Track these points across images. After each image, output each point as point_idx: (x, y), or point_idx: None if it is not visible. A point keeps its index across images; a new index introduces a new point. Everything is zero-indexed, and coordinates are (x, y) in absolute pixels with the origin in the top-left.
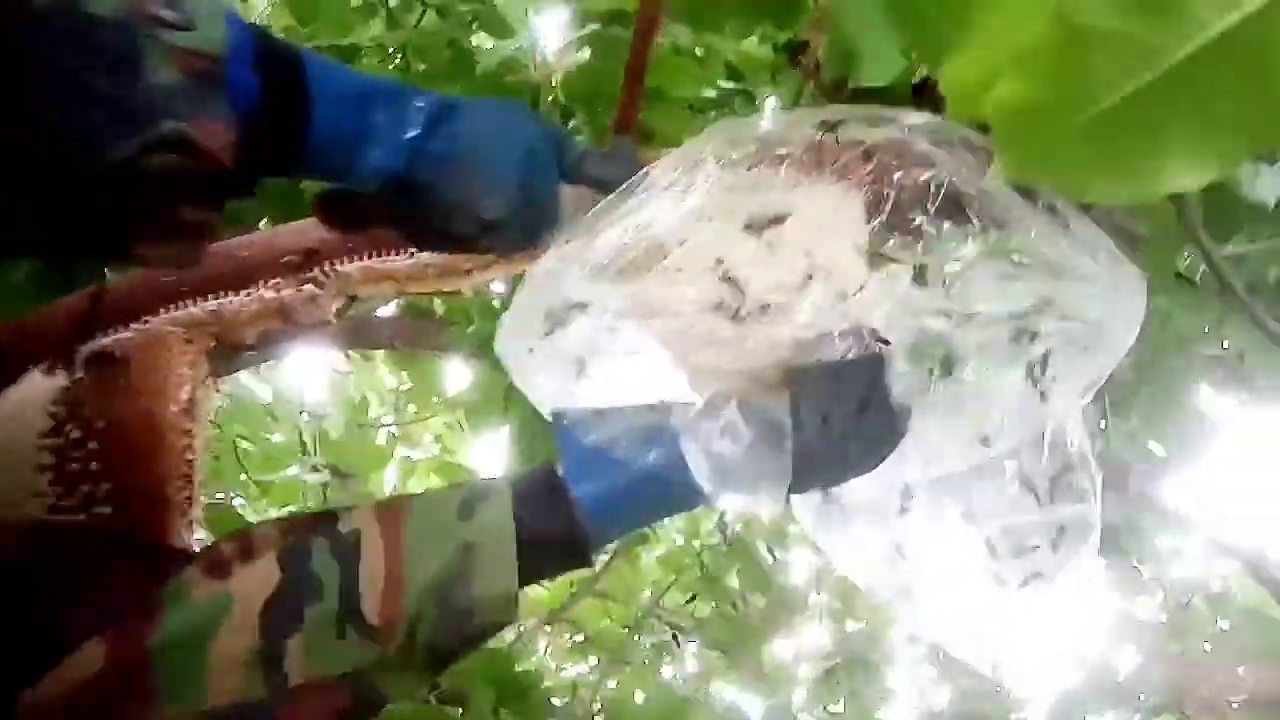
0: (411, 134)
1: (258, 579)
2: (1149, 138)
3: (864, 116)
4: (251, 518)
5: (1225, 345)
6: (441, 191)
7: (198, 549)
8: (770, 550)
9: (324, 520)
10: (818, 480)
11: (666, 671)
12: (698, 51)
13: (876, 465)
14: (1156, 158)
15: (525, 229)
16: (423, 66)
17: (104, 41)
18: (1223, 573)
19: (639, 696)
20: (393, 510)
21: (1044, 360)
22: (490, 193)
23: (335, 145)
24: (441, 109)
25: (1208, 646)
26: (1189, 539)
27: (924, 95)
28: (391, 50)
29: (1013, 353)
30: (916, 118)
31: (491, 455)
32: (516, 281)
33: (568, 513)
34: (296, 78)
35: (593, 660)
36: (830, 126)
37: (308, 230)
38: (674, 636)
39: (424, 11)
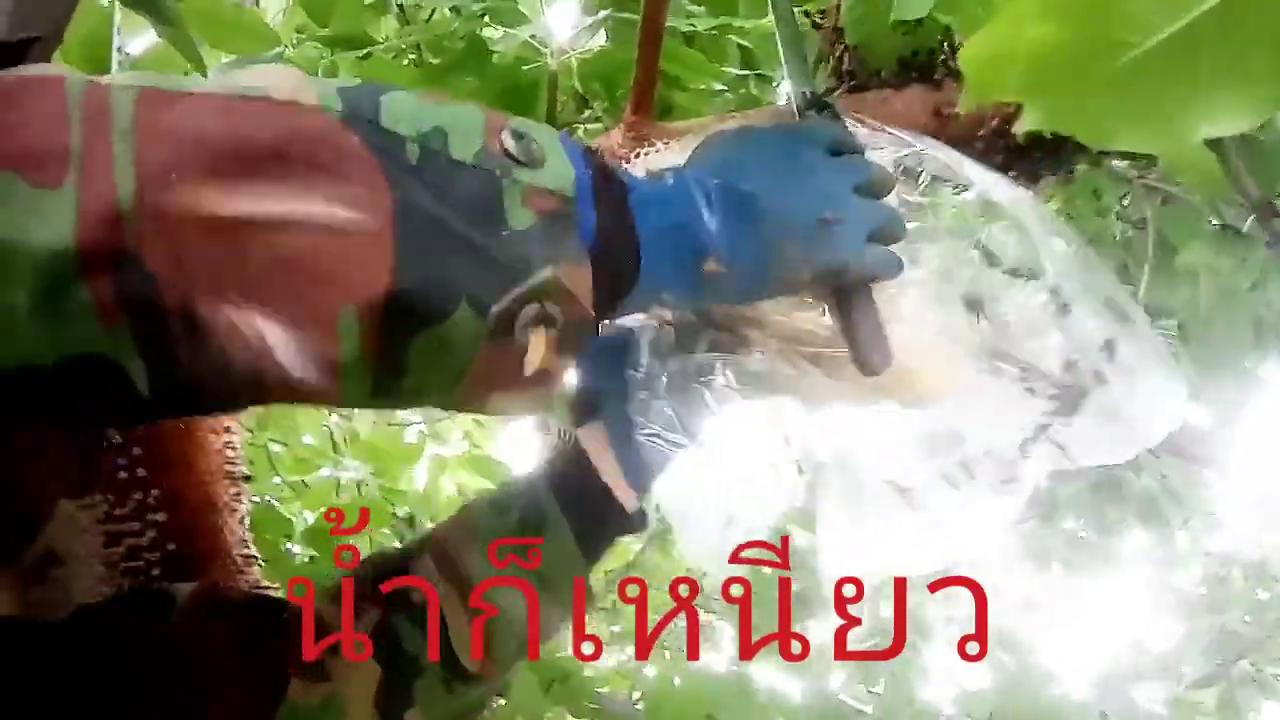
0: (726, 260)
1: (359, 676)
2: (1182, 84)
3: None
4: (290, 519)
5: (1264, 307)
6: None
7: (277, 606)
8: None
9: (394, 590)
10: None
11: (705, 656)
12: (704, 30)
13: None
14: (1190, 104)
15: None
16: (437, 61)
17: (469, 189)
18: (1262, 541)
19: (678, 681)
20: (457, 562)
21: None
22: (810, 259)
23: (660, 284)
24: (737, 206)
25: (1248, 618)
26: (1228, 506)
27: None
28: (405, 47)
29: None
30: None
31: (521, 448)
32: None
33: (613, 505)
34: (625, 210)
35: (630, 648)
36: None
37: None
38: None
39: (434, 10)
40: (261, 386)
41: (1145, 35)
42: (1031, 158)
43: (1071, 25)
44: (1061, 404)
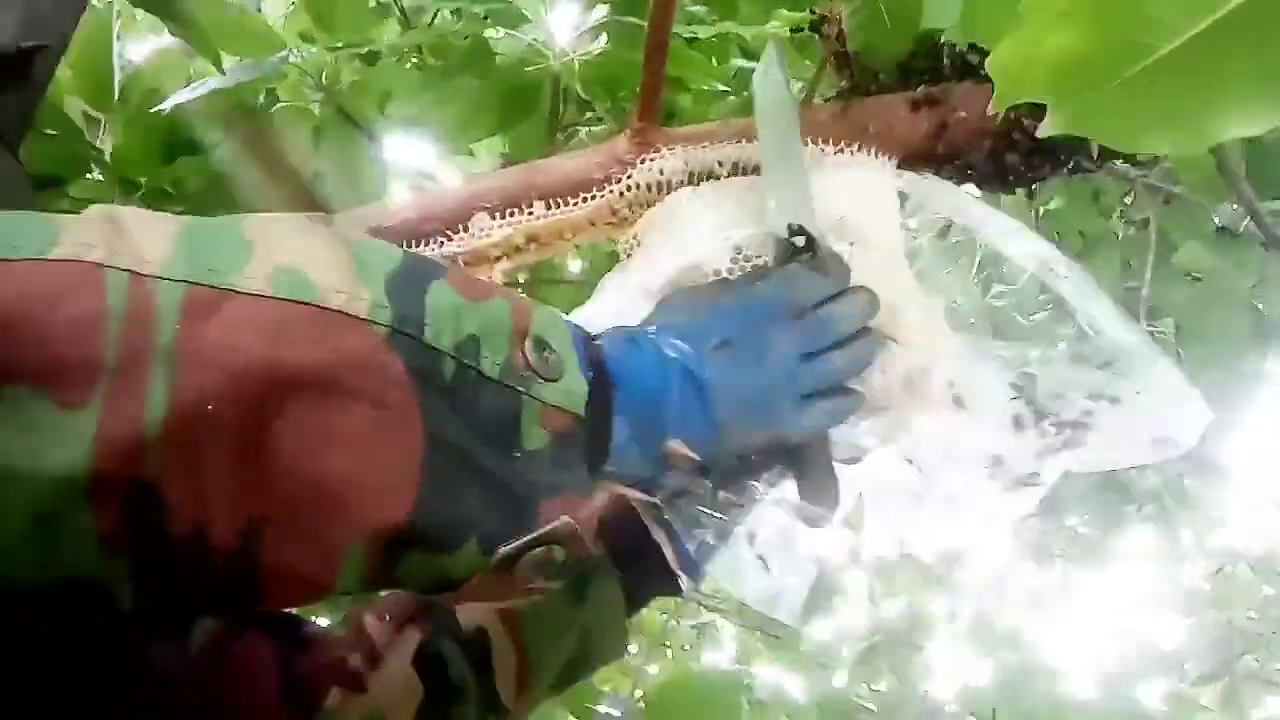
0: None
1: (400, 691)
2: (1204, 86)
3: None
4: None
5: (1263, 306)
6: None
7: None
8: None
9: (442, 614)
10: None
11: (707, 656)
12: (707, 35)
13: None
14: (1212, 106)
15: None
16: (440, 63)
17: (493, 408)
18: (1267, 537)
19: (681, 680)
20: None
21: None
22: (774, 434)
23: (620, 475)
24: (695, 396)
25: (1253, 614)
26: (1233, 502)
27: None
28: (407, 49)
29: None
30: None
31: None
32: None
33: (663, 561)
34: (608, 404)
35: (633, 647)
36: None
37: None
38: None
39: (436, 12)
40: (247, 602)
41: (1168, 38)
42: (1034, 159)
43: (1095, 30)
44: (1070, 432)
